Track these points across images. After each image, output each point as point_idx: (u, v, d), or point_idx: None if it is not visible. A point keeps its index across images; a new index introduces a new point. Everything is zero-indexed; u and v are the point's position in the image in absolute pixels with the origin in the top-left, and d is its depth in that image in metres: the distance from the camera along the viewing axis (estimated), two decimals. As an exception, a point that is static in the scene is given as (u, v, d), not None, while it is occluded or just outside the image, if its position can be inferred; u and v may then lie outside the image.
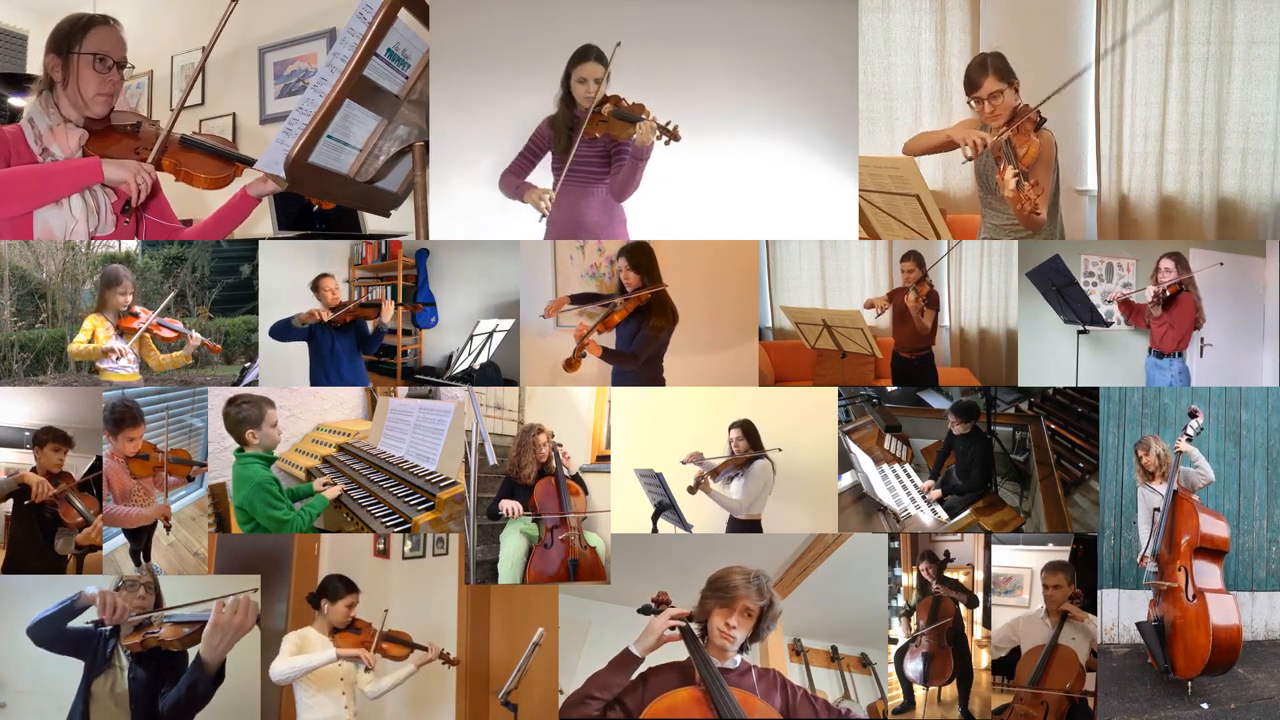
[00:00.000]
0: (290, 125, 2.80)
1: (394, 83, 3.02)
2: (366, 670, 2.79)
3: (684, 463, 3.00)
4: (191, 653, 2.54)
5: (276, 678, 2.72)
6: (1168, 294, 3.26)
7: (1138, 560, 3.50)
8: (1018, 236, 3.28)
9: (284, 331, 3.30)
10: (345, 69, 2.77)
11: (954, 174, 3.84)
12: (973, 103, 3.16)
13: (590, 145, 3.13)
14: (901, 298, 3.49)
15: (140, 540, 3.09)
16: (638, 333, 3.11)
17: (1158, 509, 3.37)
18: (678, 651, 2.23)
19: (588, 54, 3.08)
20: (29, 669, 2.68)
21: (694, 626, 2.24)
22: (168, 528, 3.08)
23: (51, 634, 2.52)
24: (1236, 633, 3.25)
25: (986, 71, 3.10)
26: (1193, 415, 3.33)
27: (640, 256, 3.10)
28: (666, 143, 3.00)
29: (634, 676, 2.19)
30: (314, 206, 3.11)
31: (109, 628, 2.56)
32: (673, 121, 2.99)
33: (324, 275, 3.38)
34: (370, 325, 3.38)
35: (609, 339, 3.13)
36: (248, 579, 3.03)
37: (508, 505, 2.99)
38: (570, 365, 3.03)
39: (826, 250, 4.01)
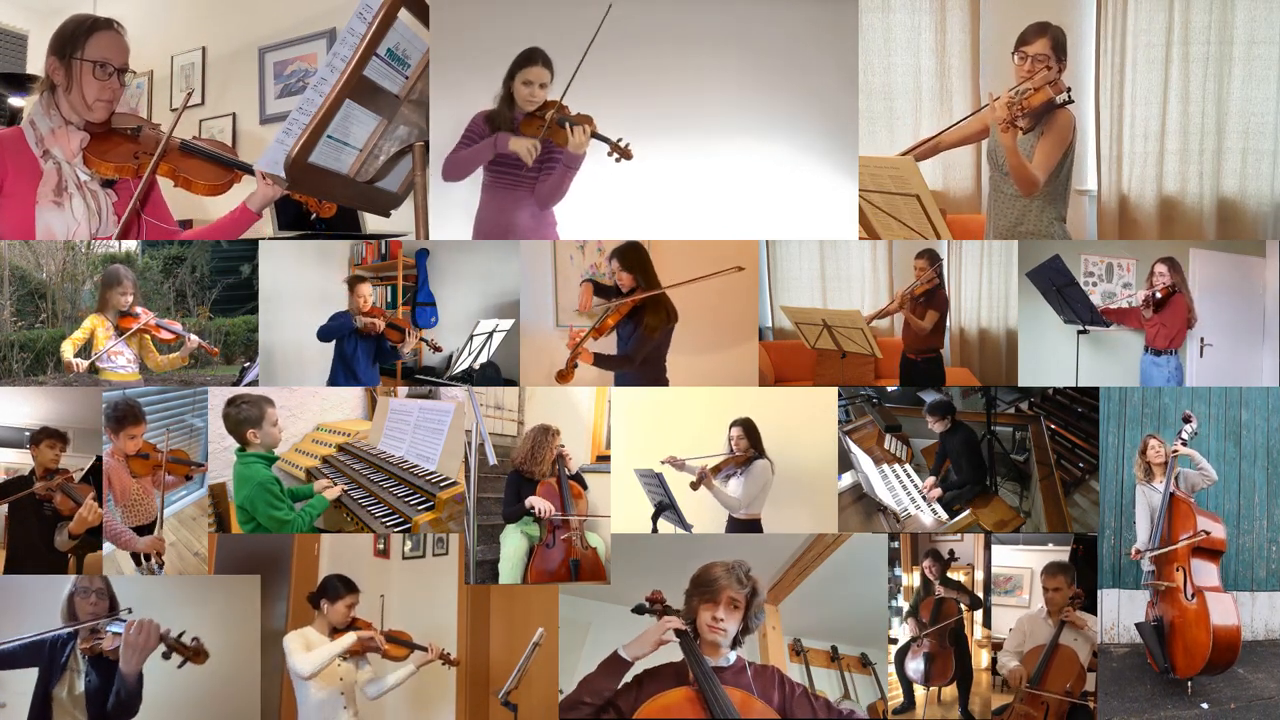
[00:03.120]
0: (290, 125, 2.80)
1: (394, 83, 3.02)
2: (383, 654, 2.78)
3: (662, 464, 2.99)
4: None
5: (306, 672, 2.71)
6: (1159, 296, 3.28)
7: (1131, 554, 3.51)
8: (1024, 233, 3.28)
9: (331, 334, 3.33)
10: (345, 69, 2.77)
11: (954, 174, 3.84)
12: (1016, 57, 3.19)
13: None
14: (902, 299, 3.48)
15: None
16: (634, 333, 3.11)
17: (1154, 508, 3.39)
18: (673, 652, 2.23)
19: (535, 57, 3.07)
20: (29, 669, 2.68)
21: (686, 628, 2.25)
22: (160, 564, 3.05)
23: None
24: (1236, 632, 3.25)
25: (1044, 34, 3.15)
26: (1186, 420, 3.35)
27: (632, 257, 3.10)
28: (618, 160, 2.99)
29: (629, 679, 2.19)
30: (313, 214, 3.10)
31: (64, 633, 2.63)
32: (624, 139, 2.98)
33: (360, 280, 3.38)
34: (389, 344, 3.40)
35: (609, 342, 3.13)
36: (248, 579, 3.04)
37: (539, 505, 2.98)
38: (563, 376, 3.03)
39: (826, 250, 4.01)
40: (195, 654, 2.67)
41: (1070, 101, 3.14)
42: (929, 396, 3.45)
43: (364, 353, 3.38)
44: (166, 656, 2.64)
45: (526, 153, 3.04)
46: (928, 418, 3.25)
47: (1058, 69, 3.15)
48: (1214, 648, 3.22)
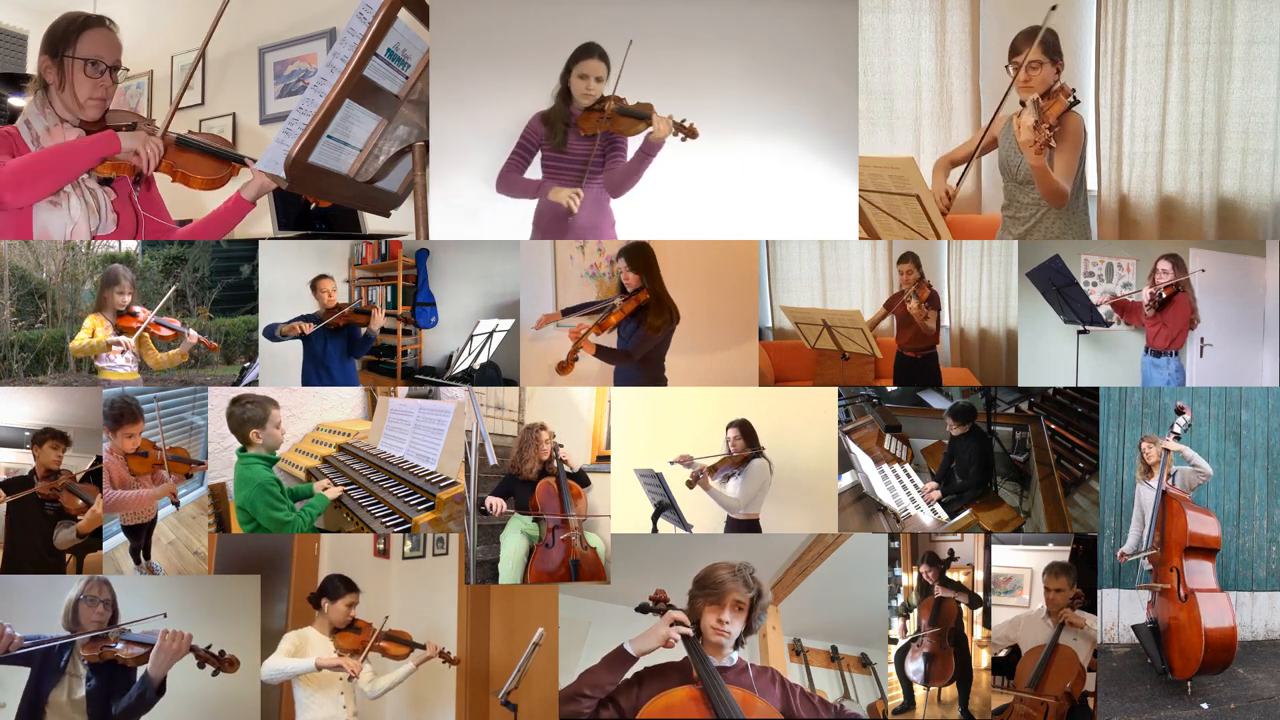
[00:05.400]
0: (290, 125, 2.80)
1: (394, 83, 3.02)
2: (351, 679, 2.78)
3: (672, 464, 3.00)
4: (140, 667, 2.69)
5: (263, 676, 2.76)
6: (1164, 295, 3.27)
7: (1117, 555, 3.52)
8: (1043, 236, 3.26)
9: (275, 334, 3.31)
10: (345, 69, 2.77)
11: (953, 174, 3.84)
12: (1010, 68, 3.17)
13: (584, 143, 3.13)
14: (901, 304, 3.48)
15: (140, 538, 3.09)
16: (635, 332, 3.11)
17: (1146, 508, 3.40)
18: (674, 651, 2.23)
19: (591, 51, 3.08)
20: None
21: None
22: (176, 504, 3.07)
23: None
24: (1231, 633, 3.25)
25: (1032, 41, 3.11)
26: (1179, 412, 3.33)
27: (639, 257, 3.10)
28: (683, 139, 3.01)
29: (629, 676, 2.18)
30: (311, 205, 3.11)
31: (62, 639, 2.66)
32: (688, 119, 3.00)
33: (323, 276, 3.38)
34: (361, 331, 3.38)
35: (610, 339, 3.13)
36: (248, 579, 3.04)
37: (492, 502, 3.00)
38: (564, 368, 3.04)
39: (826, 250, 4.01)
40: (230, 664, 2.74)
41: (1078, 103, 3.13)
42: (934, 400, 3.46)
43: (335, 349, 3.37)
44: (201, 666, 2.72)
45: (568, 201, 3.08)
46: (948, 420, 3.25)
47: (1056, 71, 3.13)
48: (1207, 648, 3.22)
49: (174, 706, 2.74)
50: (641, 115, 3.03)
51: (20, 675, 2.65)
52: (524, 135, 3.20)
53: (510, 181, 3.21)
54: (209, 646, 2.72)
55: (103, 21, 2.79)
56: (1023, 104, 3.18)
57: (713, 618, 2.21)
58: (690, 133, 3.00)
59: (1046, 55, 3.11)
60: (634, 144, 3.13)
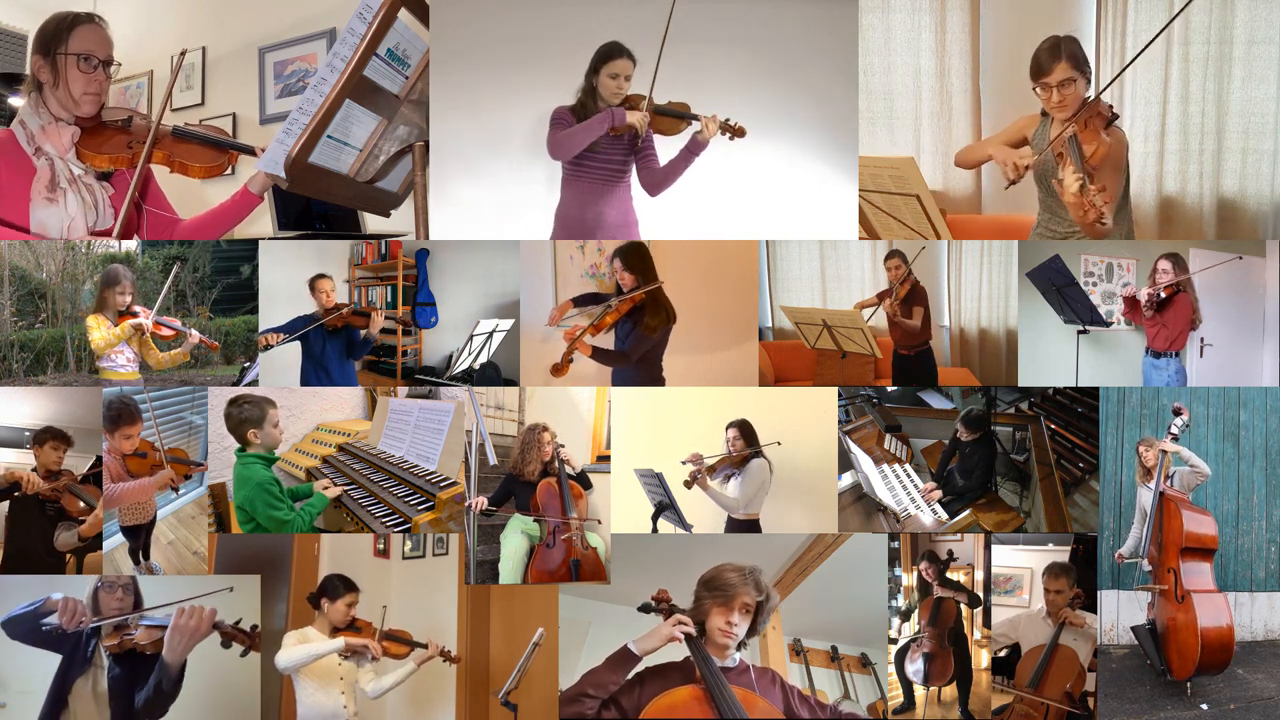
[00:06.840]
0: (290, 125, 2.80)
1: (394, 83, 3.02)
2: (373, 660, 2.78)
3: (684, 463, 3.00)
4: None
5: (282, 666, 2.73)
6: (1164, 295, 3.26)
7: (1114, 557, 3.52)
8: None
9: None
10: (345, 69, 2.77)
11: (954, 174, 3.84)
12: (1038, 90, 2.94)
13: (615, 142, 3.12)
14: (887, 301, 3.48)
15: (139, 539, 3.09)
16: (632, 332, 3.11)
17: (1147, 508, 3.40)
18: (675, 651, 2.23)
19: (620, 51, 3.07)
20: (29, 669, 2.68)
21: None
22: (176, 490, 3.06)
23: (25, 630, 2.57)
24: (1228, 633, 3.25)
25: (1059, 57, 2.87)
26: (1177, 413, 3.33)
27: (634, 257, 3.09)
28: (730, 138, 3.02)
29: (630, 677, 2.18)
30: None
31: (89, 627, 2.61)
32: (733, 118, 3.02)
33: (321, 276, 3.37)
34: (360, 333, 3.38)
35: (606, 339, 3.13)
36: (247, 579, 3.04)
37: (473, 501, 3.00)
38: (558, 370, 3.03)
39: (826, 250, 4.01)
40: (260, 640, 2.63)
41: (1117, 117, 2.92)
42: (934, 400, 3.46)
43: (333, 350, 3.36)
44: (226, 645, 2.58)
45: (640, 123, 3.04)
46: (959, 426, 3.24)
47: (1086, 82, 2.91)
48: (1204, 649, 3.22)
49: (173, 706, 2.74)
50: (685, 115, 3.03)
51: (22, 674, 2.66)
52: (557, 118, 3.12)
53: (566, 137, 3.07)
54: (238, 622, 2.56)
55: (92, 18, 2.83)
56: (1043, 115, 3.05)
57: (721, 619, 2.21)
58: (738, 132, 3.01)
59: (1076, 68, 2.88)
60: (663, 143, 3.15)
